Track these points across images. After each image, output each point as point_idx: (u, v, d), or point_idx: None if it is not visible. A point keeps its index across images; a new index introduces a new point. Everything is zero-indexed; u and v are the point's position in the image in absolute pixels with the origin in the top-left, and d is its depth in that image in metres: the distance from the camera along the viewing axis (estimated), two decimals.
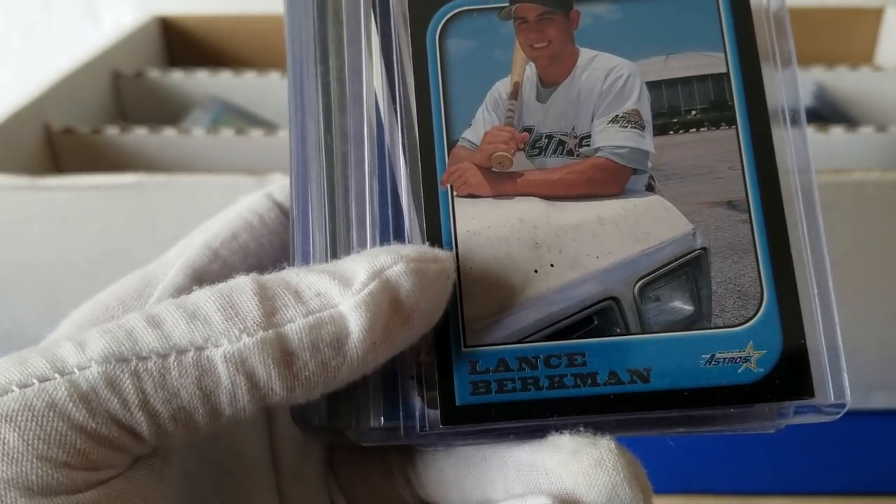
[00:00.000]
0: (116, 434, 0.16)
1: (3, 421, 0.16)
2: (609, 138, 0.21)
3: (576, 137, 0.22)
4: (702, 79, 0.22)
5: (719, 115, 0.22)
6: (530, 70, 0.22)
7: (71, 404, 0.16)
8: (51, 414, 0.16)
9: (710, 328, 0.20)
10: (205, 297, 0.18)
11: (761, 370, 0.20)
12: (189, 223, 0.43)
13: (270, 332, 0.17)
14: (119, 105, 0.66)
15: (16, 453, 0.16)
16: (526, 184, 0.21)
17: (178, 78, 0.66)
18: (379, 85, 0.21)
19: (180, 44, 0.75)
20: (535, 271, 0.21)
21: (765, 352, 0.20)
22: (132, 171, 0.43)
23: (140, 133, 0.54)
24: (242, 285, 0.18)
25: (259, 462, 0.22)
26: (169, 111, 0.65)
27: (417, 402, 0.20)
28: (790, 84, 0.22)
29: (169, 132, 0.54)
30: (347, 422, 0.20)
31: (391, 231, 0.21)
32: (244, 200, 0.23)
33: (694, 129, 0.22)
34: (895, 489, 0.45)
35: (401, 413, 0.20)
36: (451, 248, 0.20)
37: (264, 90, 0.65)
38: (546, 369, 0.20)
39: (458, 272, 0.20)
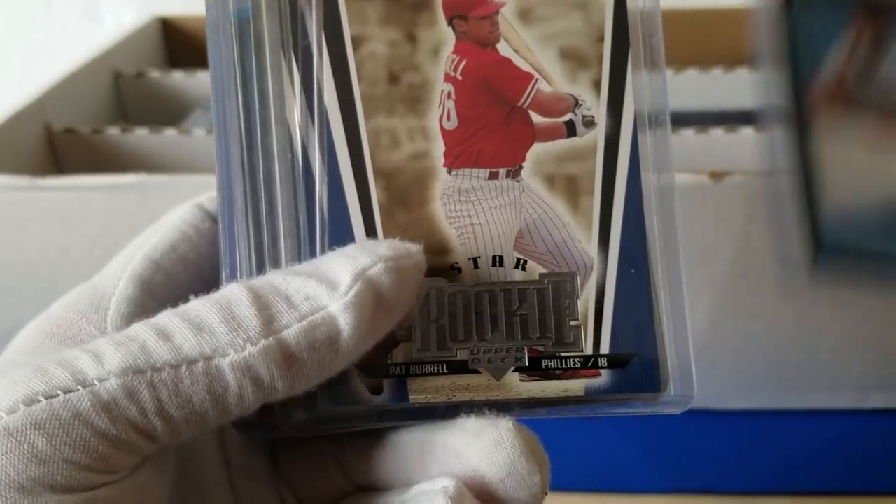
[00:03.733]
0: (134, 438, 0.18)
1: (34, 428, 0.17)
2: None
3: None
4: None
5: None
6: None
7: (94, 414, 0.18)
8: (76, 422, 0.18)
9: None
10: (206, 309, 0.19)
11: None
12: None
13: (271, 339, 0.19)
14: (120, 105, 0.67)
15: (45, 456, 0.17)
16: None
17: (178, 78, 0.66)
18: (298, 107, 0.23)
19: (181, 44, 0.75)
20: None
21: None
22: (133, 172, 0.43)
23: (141, 133, 0.54)
24: (238, 296, 0.20)
25: (211, 460, 0.24)
26: (170, 111, 0.65)
27: (362, 389, 0.22)
28: (658, 87, 0.23)
29: (170, 132, 0.54)
30: (280, 415, 0.22)
31: (318, 240, 0.22)
32: (176, 211, 0.25)
33: None
34: (894, 489, 0.45)
35: (347, 399, 0.22)
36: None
37: None
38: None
39: None
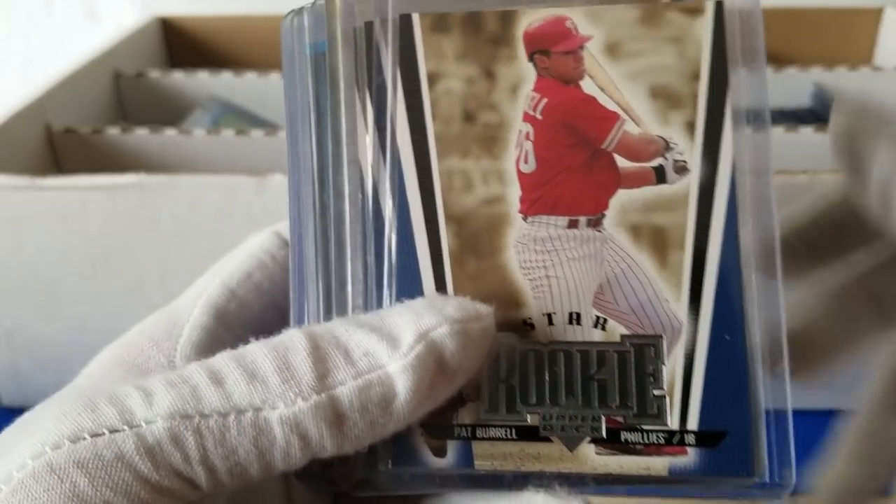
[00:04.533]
0: (177, 485, 0.18)
1: (76, 467, 0.17)
2: None
3: None
4: None
5: None
6: None
7: (137, 457, 0.17)
8: (119, 465, 0.17)
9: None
10: (262, 355, 0.19)
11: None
12: (190, 223, 0.43)
13: (323, 395, 0.18)
14: (120, 105, 0.67)
15: (85, 496, 0.17)
16: None
17: (178, 78, 0.66)
18: (370, 146, 0.22)
19: (181, 44, 0.75)
20: None
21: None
22: (133, 172, 0.43)
23: (141, 133, 0.54)
24: (297, 344, 0.19)
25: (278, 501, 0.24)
26: (170, 112, 0.65)
27: (425, 450, 0.21)
28: (757, 86, 0.21)
29: (170, 132, 0.54)
30: (340, 471, 0.21)
31: (385, 287, 0.21)
32: (254, 239, 0.25)
33: None
34: (893, 489, 0.45)
35: (408, 460, 0.21)
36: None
37: (265, 91, 0.65)
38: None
39: None
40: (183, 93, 0.66)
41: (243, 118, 0.63)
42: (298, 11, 0.23)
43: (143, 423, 0.18)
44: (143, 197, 0.43)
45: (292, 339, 0.19)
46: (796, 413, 0.20)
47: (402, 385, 0.18)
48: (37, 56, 0.84)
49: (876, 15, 0.69)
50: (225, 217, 0.43)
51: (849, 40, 0.69)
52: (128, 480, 0.17)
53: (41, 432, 0.18)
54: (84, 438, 0.17)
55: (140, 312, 0.24)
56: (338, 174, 0.22)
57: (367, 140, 0.22)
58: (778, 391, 0.20)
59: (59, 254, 0.45)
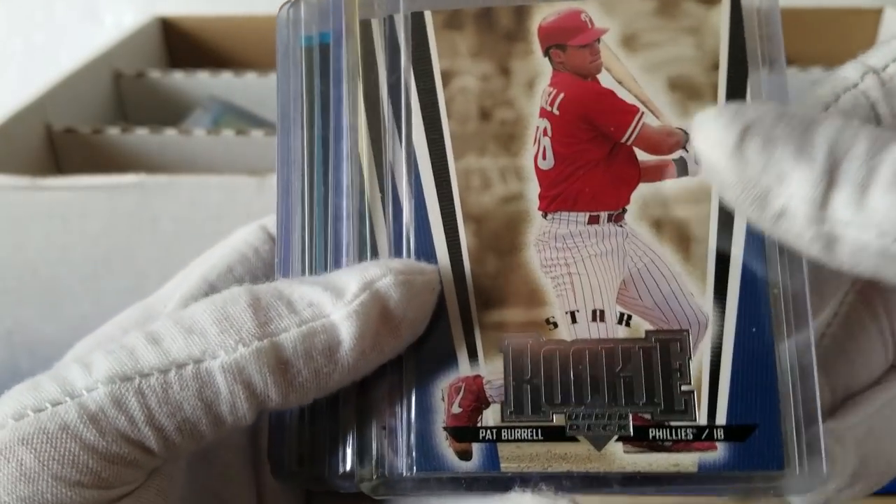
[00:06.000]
0: (126, 450, 0.17)
1: (20, 444, 0.17)
2: None
3: None
4: None
5: None
6: None
7: (81, 425, 0.17)
8: (63, 436, 0.17)
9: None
10: (200, 311, 0.18)
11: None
12: (190, 223, 0.43)
13: (265, 341, 0.18)
14: (120, 105, 0.67)
15: (32, 473, 0.17)
16: None
17: (179, 78, 0.66)
18: (387, 146, 0.22)
19: (181, 44, 0.75)
20: None
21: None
22: (133, 172, 0.43)
23: (141, 133, 0.54)
24: (236, 296, 0.19)
25: (248, 493, 0.23)
26: (170, 111, 0.65)
27: (387, 451, 0.20)
28: (778, 86, 0.21)
29: (170, 132, 0.54)
30: (318, 469, 0.21)
31: None
32: (240, 232, 0.24)
33: None
34: (893, 488, 0.45)
35: (373, 461, 0.20)
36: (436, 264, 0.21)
37: (265, 91, 0.65)
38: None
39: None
40: (183, 93, 0.66)
41: (243, 118, 0.63)
42: (295, 3, 0.23)
43: (85, 392, 0.17)
44: (143, 197, 0.43)
45: (232, 292, 0.19)
46: None
47: (346, 332, 0.18)
48: (37, 56, 0.84)
49: (876, 15, 0.69)
50: (225, 217, 0.43)
51: (849, 40, 0.69)
52: (74, 451, 0.17)
53: None
54: (27, 415, 0.17)
55: None
56: (337, 169, 0.22)
57: (384, 140, 0.22)
58: (806, 382, 0.20)
59: (59, 254, 0.45)
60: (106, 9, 0.82)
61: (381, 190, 0.21)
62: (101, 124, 0.58)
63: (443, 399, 0.20)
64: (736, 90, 0.21)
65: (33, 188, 0.43)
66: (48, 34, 0.83)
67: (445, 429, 0.20)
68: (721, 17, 0.21)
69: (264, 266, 0.24)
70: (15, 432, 0.17)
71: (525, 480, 0.20)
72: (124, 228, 0.44)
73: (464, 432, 0.20)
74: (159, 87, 0.66)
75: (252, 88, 0.65)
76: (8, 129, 0.51)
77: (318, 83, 0.22)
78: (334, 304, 0.19)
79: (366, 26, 0.22)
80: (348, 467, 0.21)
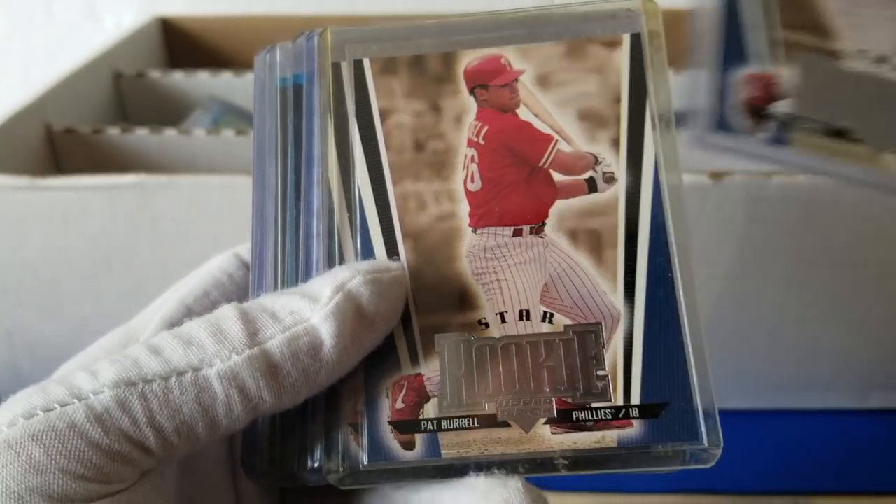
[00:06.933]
0: (128, 449, 0.19)
1: (31, 439, 0.18)
2: None
3: None
4: None
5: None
6: None
7: (88, 424, 0.19)
8: (71, 433, 0.18)
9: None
10: (196, 326, 0.20)
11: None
12: (190, 223, 0.43)
13: (255, 349, 0.20)
14: (120, 105, 0.67)
15: (41, 466, 0.18)
16: None
17: (179, 78, 0.66)
18: (334, 171, 0.25)
19: (181, 44, 0.75)
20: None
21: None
22: (133, 172, 0.43)
23: (141, 133, 0.54)
24: (227, 313, 0.21)
25: (227, 500, 0.25)
26: (170, 112, 0.65)
27: (351, 445, 0.22)
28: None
29: (170, 133, 0.54)
30: (288, 467, 0.22)
31: None
32: (214, 259, 0.26)
33: None
34: (893, 488, 0.45)
35: (339, 455, 0.22)
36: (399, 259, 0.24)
37: None
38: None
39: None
40: (183, 93, 0.66)
41: (243, 118, 0.63)
42: (271, 49, 0.26)
43: (91, 395, 0.19)
44: (143, 197, 0.43)
45: (222, 310, 0.21)
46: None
47: (326, 332, 0.20)
48: (37, 56, 0.84)
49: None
50: (225, 217, 0.43)
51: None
52: (80, 447, 0.18)
53: None
54: (37, 414, 0.18)
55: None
56: (308, 192, 0.25)
57: (332, 166, 0.24)
58: (700, 364, 0.22)
59: (59, 254, 0.45)
60: (106, 9, 0.82)
61: (349, 210, 0.24)
62: (101, 124, 0.58)
63: (387, 396, 0.23)
64: (636, 119, 0.24)
65: (33, 188, 0.43)
66: (48, 34, 0.83)
67: (390, 423, 0.22)
68: (622, 58, 0.25)
69: (238, 290, 0.26)
70: (26, 429, 0.18)
71: (464, 465, 0.22)
72: (124, 228, 0.44)
73: (406, 425, 0.22)
74: (159, 88, 0.66)
75: (252, 88, 0.65)
76: (8, 129, 0.51)
77: (291, 118, 0.25)
78: (312, 309, 0.21)
79: (336, 68, 0.25)
80: (317, 463, 0.22)
